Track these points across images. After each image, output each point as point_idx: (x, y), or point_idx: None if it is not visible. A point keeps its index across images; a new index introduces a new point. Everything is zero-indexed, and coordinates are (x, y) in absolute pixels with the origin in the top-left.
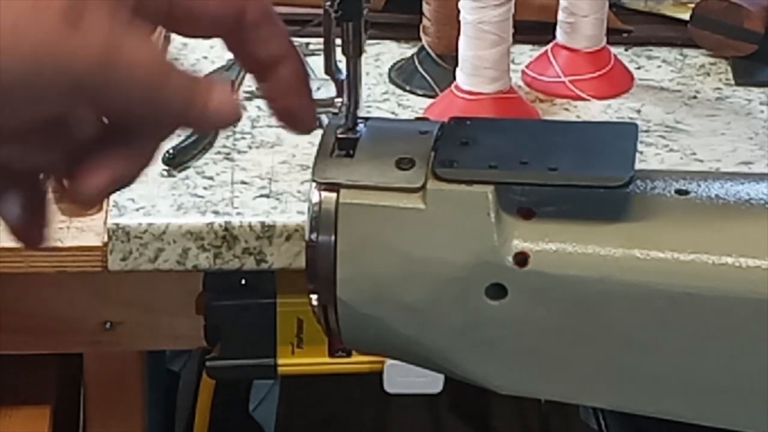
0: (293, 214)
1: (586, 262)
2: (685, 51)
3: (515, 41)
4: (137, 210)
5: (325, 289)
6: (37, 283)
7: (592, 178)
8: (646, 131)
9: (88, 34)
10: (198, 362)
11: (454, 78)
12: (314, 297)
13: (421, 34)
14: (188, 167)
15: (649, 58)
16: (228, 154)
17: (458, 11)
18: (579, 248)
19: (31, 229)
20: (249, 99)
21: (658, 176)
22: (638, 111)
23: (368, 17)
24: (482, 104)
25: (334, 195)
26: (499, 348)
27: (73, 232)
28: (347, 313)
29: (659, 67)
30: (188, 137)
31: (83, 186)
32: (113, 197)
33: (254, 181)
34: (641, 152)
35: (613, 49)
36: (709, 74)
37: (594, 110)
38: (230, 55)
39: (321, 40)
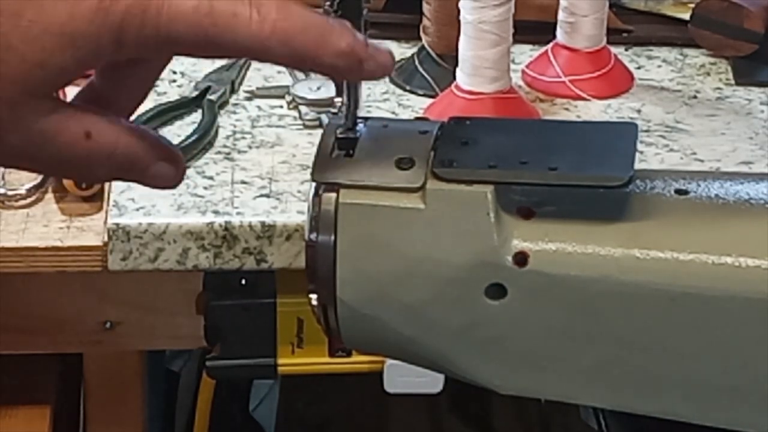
0: (293, 214)
1: (586, 262)
2: (685, 51)
3: (515, 41)
4: (137, 210)
5: (325, 289)
6: (37, 283)
7: (592, 178)
8: (646, 131)
9: None
10: (198, 362)
11: (454, 78)
12: (314, 297)
13: (421, 34)
14: (188, 167)
15: (649, 58)
16: (228, 153)
17: (458, 11)
18: (579, 248)
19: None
20: (249, 99)
21: (658, 176)
22: (638, 111)
23: (368, 17)
24: (482, 104)
25: (334, 195)
26: (499, 348)
27: (73, 232)
28: (347, 313)
29: (659, 67)
30: (188, 137)
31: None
32: (113, 197)
33: (254, 181)
34: (641, 152)
35: (613, 49)
36: (709, 74)
37: (594, 110)
38: None
39: None
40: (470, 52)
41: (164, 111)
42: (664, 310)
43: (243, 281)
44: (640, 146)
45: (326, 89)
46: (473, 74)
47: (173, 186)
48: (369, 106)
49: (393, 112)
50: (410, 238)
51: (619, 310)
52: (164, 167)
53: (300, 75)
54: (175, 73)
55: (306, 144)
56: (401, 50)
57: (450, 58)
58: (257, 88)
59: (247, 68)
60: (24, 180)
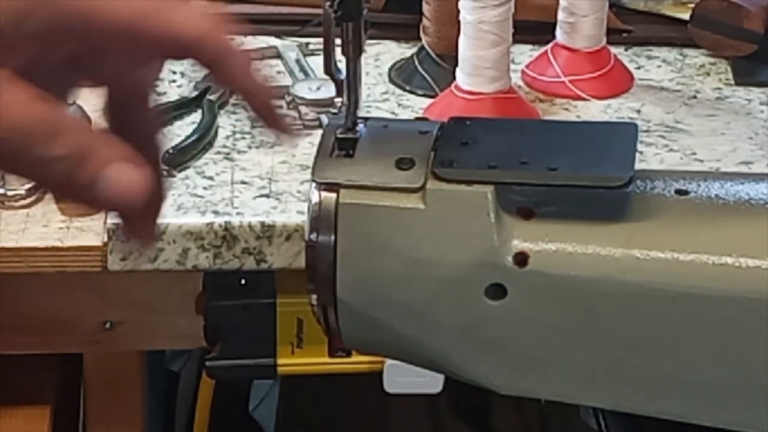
0: (293, 214)
1: (586, 262)
2: (685, 51)
3: (515, 41)
4: None
5: (325, 289)
6: (37, 283)
7: (592, 178)
8: (646, 131)
9: None
10: (198, 362)
11: (454, 78)
12: (314, 297)
13: (421, 34)
14: (188, 167)
15: (649, 58)
16: (228, 154)
17: (458, 11)
18: (579, 248)
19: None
20: None
21: (658, 176)
22: (638, 111)
23: (368, 17)
24: (482, 104)
25: (334, 195)
26: (499, 348)
27: (73, 232)
28: (347, 313)
29: (659, 67)
30: (188, 137)
31: None
32: None
33: (254, 181)
34: (641, 152)
35: (613, 49)
36: (709, 74)
37: (594, 110)
38: None
39: (321, 40)
40: (470, 52)
41: (164, 111)
42: (664, 310)
43: (243, 281)
44: (640, 146)
45: (326, 89)
46: (473, 74)
47: (136, 206)
48: (369, 106)
49: (393, 112)
50: (410, 239)
51: (619, 310)
52: (126, 168)
53: (300, 75)
54: (174, 73)
55: (306, 144)
56: (401, 50)
57: (450, 58)
58: None
59: None
60: (24, 180)
